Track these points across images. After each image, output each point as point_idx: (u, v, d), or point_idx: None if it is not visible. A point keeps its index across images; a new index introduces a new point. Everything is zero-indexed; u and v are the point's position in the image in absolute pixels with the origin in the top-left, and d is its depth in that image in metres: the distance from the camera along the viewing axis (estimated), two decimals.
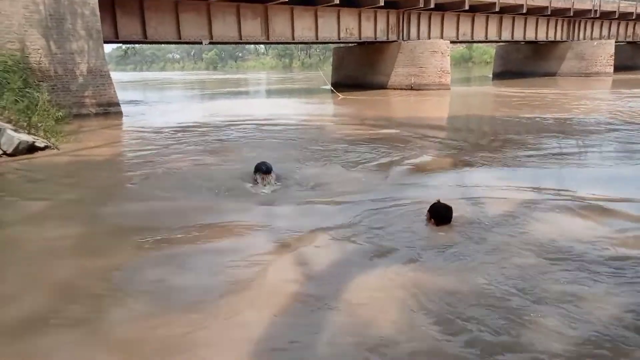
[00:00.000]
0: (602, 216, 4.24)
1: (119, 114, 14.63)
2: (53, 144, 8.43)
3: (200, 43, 19.83)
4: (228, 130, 10.85)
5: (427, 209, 4.01)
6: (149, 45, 46.87)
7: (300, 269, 3.30)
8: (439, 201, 4.02)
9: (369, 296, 2.86)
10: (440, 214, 3.93)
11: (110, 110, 14.59)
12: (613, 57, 31.41)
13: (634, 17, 33.67)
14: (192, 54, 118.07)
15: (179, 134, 10.34)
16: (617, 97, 17.19)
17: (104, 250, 3.78)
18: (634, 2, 33.70)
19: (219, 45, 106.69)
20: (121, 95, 16.37)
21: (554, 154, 7.29)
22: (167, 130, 11.10)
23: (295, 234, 3.96)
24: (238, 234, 4.03)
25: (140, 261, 3.53)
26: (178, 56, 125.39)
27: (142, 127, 11.89)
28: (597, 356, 2.26)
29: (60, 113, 9.65)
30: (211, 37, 19.29)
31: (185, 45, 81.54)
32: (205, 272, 3.30)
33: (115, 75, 18.68)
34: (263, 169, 5.38)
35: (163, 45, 60.20)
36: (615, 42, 32.80)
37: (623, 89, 20.15)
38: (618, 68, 32.84)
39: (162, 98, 24.22)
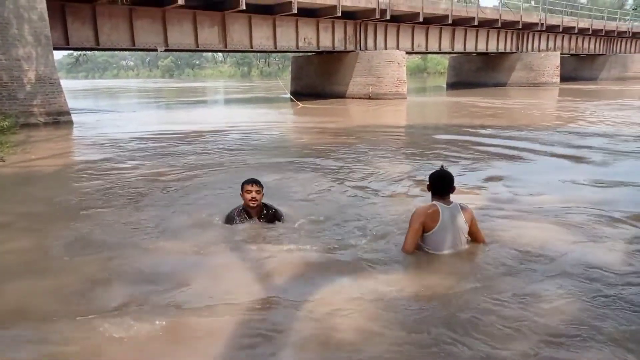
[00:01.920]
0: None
1: (70, 123, 14.07)
2: None
3: (156, 50, 19.43)
4: (183, 141, 10.62)
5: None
6: (101, 52, 45.28)
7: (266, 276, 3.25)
8: (442, 167, 3.65)
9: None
10: (440, 181, 3.52)
11: (60, 119, 14.02)
12: (559, 68, 33.08)
13: (576, 31, 35.66)
14: (147, 61, 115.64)
15: (132, 145, 10.03)
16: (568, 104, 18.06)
17: (51, 268, 3.59)
18: (576, 18, 35.72)
19: (175, 53, 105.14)
20: (72, 104, 15.78)
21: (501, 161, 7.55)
22: (119, 140, 10.75)
23: (256, 243, 3.90)
24: (193, 246, 3.93)
25: (86, 278, 3.38)
26: (132, 63, 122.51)
27: (94, 138, 11.47)
28: None
29: (6, 122, 9.20)
30: (167, 44, 18.93)
31: (139, 52, 79.83)
32: (163, 285, 3.19)
33: (66, 83, 17.98)
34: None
35: (116, 52, 58.45)
36: (561, 54, 34.60)
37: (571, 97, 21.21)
38: (563, 78, 34.65)
39: (115, 107, 23.50)
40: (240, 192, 4.10)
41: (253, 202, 4.02)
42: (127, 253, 3.80)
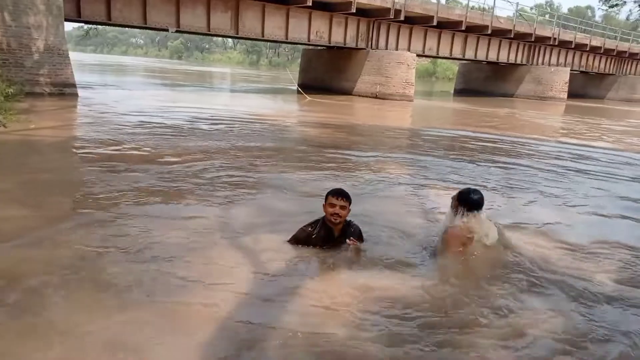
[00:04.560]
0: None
1: (75, 95, 14.02)
2: (0, 121, 7.96)
3: (167, 30, 19.34)
4: (188, 123, 10.59)
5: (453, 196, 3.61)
6: (111, 27, 44.92)
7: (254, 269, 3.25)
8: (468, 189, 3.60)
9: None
10: (470, 198, 3.44)
11: (65, 91, 13.97)
12: (567, 84, 33.02)
13: (587, 49, 35.56)
14: (156, 40, 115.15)
15: (135, 123, 9.99)
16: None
17: (48, 237, 3.59)
18: (589, 35, 35.62)
19: (185, 35, 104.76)
20: (79, 77, 15.71)
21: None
22: (123, 117, 10.72)
23: (248, 230, 3.91)
24: (183, 226, 3.94)
25: (84, 248, 3.38)
26: (142, 41, 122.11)
27: (98, 112, 11.45)
28: None
29: (11, 89, 9.13)
30: (178, 26, 18.84)
31: (149, 32, 79.46)
32: (152, 272, 3.19)
33: (74, 56, 17.85)
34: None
35: (126, 29, 58.15)
36: (570, 70, 34.53)
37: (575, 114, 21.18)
38: (571, 95, 34.58)
39: (123, 84, 23.42)
40: (324, 202, 3.53)
41: (335, 218, 3.45)
42: (124, 229, 3.80)
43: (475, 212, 3.43)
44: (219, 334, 2.48)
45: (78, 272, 3.05)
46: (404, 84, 23.55)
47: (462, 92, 35.78)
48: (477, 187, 3.62)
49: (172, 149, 7.38)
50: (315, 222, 3.58)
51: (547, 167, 8.03)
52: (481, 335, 2.61)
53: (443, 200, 4.88)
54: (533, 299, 3.06)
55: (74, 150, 7.13)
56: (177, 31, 19.45)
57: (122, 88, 20.44)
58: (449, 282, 3.19)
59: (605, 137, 13.88)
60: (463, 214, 3.44)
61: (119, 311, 2.62)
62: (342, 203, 3.42)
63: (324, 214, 3.51)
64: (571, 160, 8.96)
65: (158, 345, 2.37)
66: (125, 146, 7.30)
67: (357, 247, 3.49)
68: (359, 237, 3.59)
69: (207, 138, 8.62)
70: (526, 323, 2.76)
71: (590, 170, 7.99)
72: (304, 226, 3.61)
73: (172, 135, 8.73)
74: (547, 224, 4.67)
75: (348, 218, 3.56)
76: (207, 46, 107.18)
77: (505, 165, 7.94)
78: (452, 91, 38.25)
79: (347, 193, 3.49)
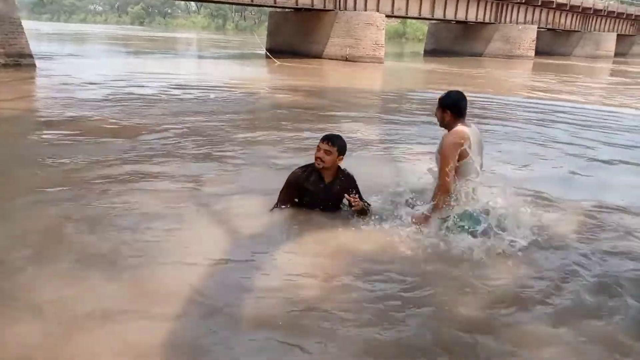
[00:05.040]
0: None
1: (32, 66, 13.38)
2: None
3: None
4: (149, 91, 10.27)
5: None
6: None
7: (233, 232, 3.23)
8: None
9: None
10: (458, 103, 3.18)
11: (21, 61, 13.30)
12: (535, 42, 33.33)
13: (554, 6, 35.81)
14: (116, 6, 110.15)
15: (101, 92, 9.62)
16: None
17: (7, 213, 3.47)
18: None
19: (146, 0, 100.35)
20: (35, 48, 14.95)
21: None
22: (87, 87, 10.31)
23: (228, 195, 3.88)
24: (158, 190, 3.89)
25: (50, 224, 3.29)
26: (100, 8, 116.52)
27: (59, 82, 10.96)
28: None
29: None
30: None
31: None
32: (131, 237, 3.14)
33: (29, 25, 16.86)
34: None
35: None
36: (538, 27, 34.79)
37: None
38: (538, 52, 34.98)
39: (82, 53, 22.42)
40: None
41: (318, 163, 3.36)
42: (87, 201, 3.70)
43: (462, 119, 3.18)
44: (195, 299, 2.47)
45: (50, 244, 2.98)
46: (373, 45, 23.33)
47: (432, 52, 35.73)
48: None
49: (144, 118, 7.17)
50: (307, 165, 3.50)
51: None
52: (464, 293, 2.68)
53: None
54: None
55: (34, 123, 6.85)
56: None
57: (83, 57, 19.58)
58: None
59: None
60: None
61: (98, 280, 2.58)
62: (327, 147, 3.34)
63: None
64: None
65: (134, 312, 2.35)
66: (91, 118, 7.03)
67: (357, 203, 3.34)
68: (352, 186, 3.45)
69: (179, 107, 8.39)
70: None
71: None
72: (296, 169, 3.53)
73: (142, 105, 8.45)
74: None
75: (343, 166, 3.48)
76: (169, 11, 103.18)
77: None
78: (422, 52, 38.14)
79: (334, 138, 3.39)
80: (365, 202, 3.48)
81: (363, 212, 3.42)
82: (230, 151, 5.48)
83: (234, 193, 4.03)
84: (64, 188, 3.97)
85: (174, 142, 5.77)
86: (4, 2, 12.89)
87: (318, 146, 3.38)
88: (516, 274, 2.87)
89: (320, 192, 3.43)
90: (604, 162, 5.89)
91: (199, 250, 2.99)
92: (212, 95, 10.11)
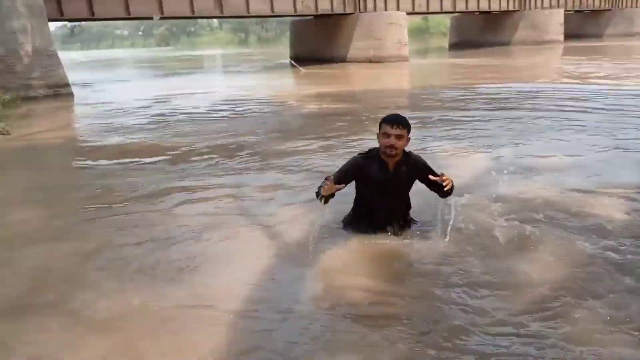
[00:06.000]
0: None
1: (70, 95, 13.97)
2: (3, 128, 7.96)
3: (151, 19, 19.08)
4: (189, 110, 10.51)
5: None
6: (94, 22, 44.06)
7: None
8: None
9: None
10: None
11: (60, 91, 13.92)
12: (563, 26, 32.35)
13: None
14: (141, 29, 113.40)
15: (135, 116, 9.91)
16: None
17: (70, 234, 3.65)
18: None
19: (169, 21, 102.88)
20: (71, 76, 15.57)
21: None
22: (121, 111, 10.65)
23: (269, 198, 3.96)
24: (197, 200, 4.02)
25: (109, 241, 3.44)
26: (127, 33, 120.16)
27: (95, 109, 11.36)
28: None
29: (7, 96, 9.11)
30: (162, 12, 18.57)
31: (133, 22, 78.23)
32: (182, 246, 3.25)
33: (62, 56, 17.56)
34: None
35: (109, 22, 57.29)
36: (565, 10, 33.77)
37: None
38: (568, 36, 33.91)
39: (116, 77, 23.15)
40: (377, 131, 2.93)
41: (391, 150, 2.86)
42: (145, 218, 3.84)
43: None
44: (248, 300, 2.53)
45: (104, 261, 3.12)
46: (397, 44, 23.20)
47: (457, 45, 35.22)
48: None
49: (185, 137, 7.36)
50: (369, 151, 3.00)
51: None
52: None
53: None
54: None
55: (78, 150, 7.13)
56: (161, 18, 19.17)
57: (117, 82, 20.22)
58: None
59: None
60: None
61: (149, 291, 2.68)
62: (399, 132, 2.81)
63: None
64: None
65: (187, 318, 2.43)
66: (133, 141, 7.26)
67: (448, 182, 2.82)
68: (424, 167, 2.99)
69: (218, 124, 8.54)
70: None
71: None
72: (357, 155, 3.04)
73: (180, 123, 8.67)
74: None
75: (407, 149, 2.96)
76: (192, 29, 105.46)
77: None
78: (447, 46, 37.63)
79: (404, 119, 2.88)
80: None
81: (450, 191, 2.90)
82: (276, 162, 5.53)
83: (288, 203, 4.08)
84: (113, 209, 4.13)
85: (218, 157, 5.89)
86: (40, 37, 13.52)
87: (385, 132, 2.83)
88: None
89: (386, 180, 2.97)
90: None
91: (253, 259, 3.07)
92: (249, 109, 10.25)
